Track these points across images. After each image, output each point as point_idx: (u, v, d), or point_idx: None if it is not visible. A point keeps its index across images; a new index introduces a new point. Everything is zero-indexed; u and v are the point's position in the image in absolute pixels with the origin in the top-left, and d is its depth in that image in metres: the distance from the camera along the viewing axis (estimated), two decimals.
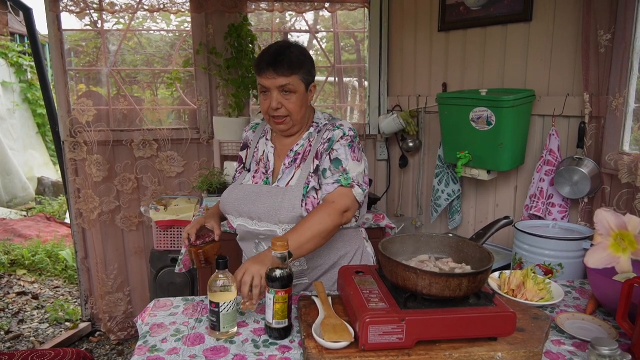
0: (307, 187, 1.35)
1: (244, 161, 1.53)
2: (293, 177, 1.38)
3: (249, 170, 1.48)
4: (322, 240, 1.26)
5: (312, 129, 1.43)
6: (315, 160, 1.38)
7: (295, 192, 1.34)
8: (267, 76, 1.31)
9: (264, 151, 1.47)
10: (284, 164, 1.41)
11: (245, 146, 1.55)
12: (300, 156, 1.40)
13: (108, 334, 2.90)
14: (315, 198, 1.35)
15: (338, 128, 1.37)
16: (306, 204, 1.33)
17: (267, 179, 1.43)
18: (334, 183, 1.31)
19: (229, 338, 1.11)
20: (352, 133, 1.38)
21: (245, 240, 1.46)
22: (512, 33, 2.19)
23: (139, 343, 1.10)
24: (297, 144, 1.42)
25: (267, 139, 1.49)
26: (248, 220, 1.39)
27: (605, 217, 1.02)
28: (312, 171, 1.37)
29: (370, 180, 2.43)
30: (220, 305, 1.09)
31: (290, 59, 1.30)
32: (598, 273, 1.22)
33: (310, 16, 3.02)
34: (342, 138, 1.36)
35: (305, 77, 1.34)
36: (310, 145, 1.41)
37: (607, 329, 1.17)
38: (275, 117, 1.36)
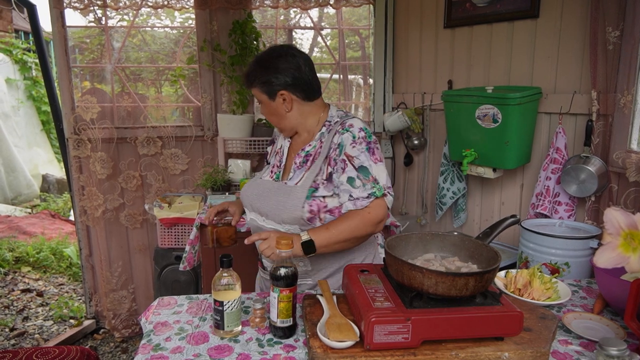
0: (313, 190, 1.33)
1: (269, 155, 1.59)
2: (302, 178, 1.37)
3: (269, 163, 1.54)
4: (351, 245, 1.31)
5: (324, 129, 1.40)
6: (327, 166, 1.34)
7: (299, 193, 1.33)
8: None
9: (281, 145, 1.50)
10: (295, 163, 1.41)
11: (272, 141, 1.60)
12: (311, 157, 1.39)
13: (112, 331, 2.91)
14: (322, 201, 1.32)
15: (347, 131, 1.33)
16: (310, 206, 1.32)
17: (278, 173, 1.45)
18: (368, 196, 1.27)
19: (233, 337, 1.11)
20: (363, 134, 1.33)
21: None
22: (519, 30, 2.17)
23: (143, 341, 1.09)
24: (310, 144, 1.40)
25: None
26: (258, 216, 1.42)
27: (614, 216, 1.00)
28: (324, 178, 1.34)
29: None
30: (225, 303, 1.08)
31: (247, 73, 1.39)
32: (605, 272, 1.20)
33: (314, 13, 3.01)
34: (354, 142, 1.31)
35: (262, 87, 1.36)
36: (322, 147, 1.38)
37: (615, 328, 1.16)
38: None
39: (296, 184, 1.36)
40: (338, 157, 1.32)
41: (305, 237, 1.23)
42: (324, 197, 1.33)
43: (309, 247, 1.23)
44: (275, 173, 1.45)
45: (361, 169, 1.29)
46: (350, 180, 1.29)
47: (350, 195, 1.29)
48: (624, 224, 1.00)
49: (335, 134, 1.35)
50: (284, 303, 1.07)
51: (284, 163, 1.45)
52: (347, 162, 1.31)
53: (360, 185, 1.28)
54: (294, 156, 1.43)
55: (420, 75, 2.70)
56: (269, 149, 1.61)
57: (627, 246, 0.99)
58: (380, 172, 1.31)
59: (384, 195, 1.29)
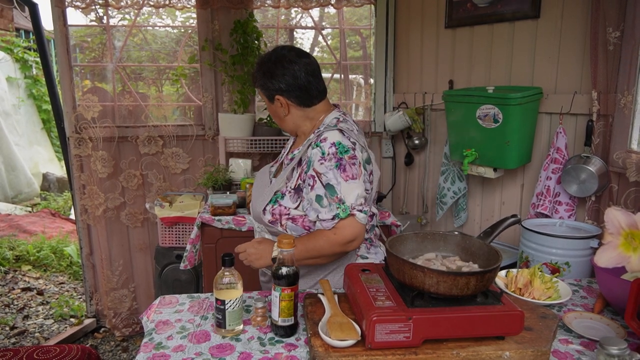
0: (280, 196, 1.35)
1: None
2: (275, 180, 1.43)
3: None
4: (325, 261, 1.34)
5: (312, 135, 1.37)
6: (298, 177, 1.34)
7: (266, 195, 1.38)
8: None
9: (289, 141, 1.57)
10: (285, 164, 1.45)
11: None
12: (294, 160, 1.39)
13: (113, 330, 2.91)
14: (285, 208, 1.34)
15: (317, 146, 1.28)
16: (273, 211, 1.35)
17: (272, 169, 1.50)
18: (333, 218, 1.24)
19: (234, 335, 1.11)
20: (333, 149, 1.25)
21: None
22: (520, 30, 2.17)
23: (145, 340, 1.10)
24: (298, 149, 1.42)
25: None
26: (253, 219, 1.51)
27: (615, 215, 1.00)
28: (292, 187, 1.34)
29: None
30: (226, 302, 1.08)
31: (252, 73, 1.45)
32: (606, 272, 1.21)
33: (315, 12, 3.01)
34: (323, 158, 1.26)
35: (261, 89, 1.40)
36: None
37: (615, 328, 1.16)
38: None
39: (270, 182, 1.43)
40: (306, 172, 1.30)
41: (275, 252, 1.26)
42: (287, 207, 1.33)
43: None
44: (275, 167, 1.51)
45: (328, 187, 1.25)
46: (319, 198, 1.26)
47: (318, 216, 1.27)
48: (624, 224, 1.00)
49: (309, 146, 1.32)
50: (285, 302, 1.07)
51: (280, 162, 1.50)
52: (316, 178, 1.27)
53: (326, 205, 1.25)
54: (288, 155, 1.47)
55: (421, 75, 2.71)
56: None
57: (628, 246, 0.99)
58: (349, 190, 1.24)
59: (351, 214, 1.24)
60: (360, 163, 1.29)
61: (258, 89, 1.42)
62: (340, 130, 1.30)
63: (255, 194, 1.46)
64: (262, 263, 1.32)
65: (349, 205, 1.24)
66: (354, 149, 1.28)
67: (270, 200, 1.35)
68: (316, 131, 1.37)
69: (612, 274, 1.21)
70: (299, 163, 1.36)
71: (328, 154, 1.26)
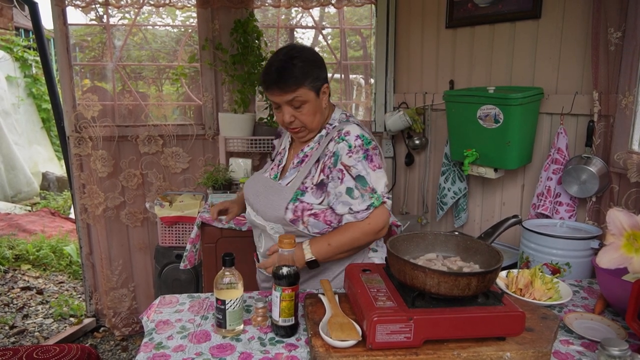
0: (300, 194, 1.32)
1: (274, 152, 1.58)
2: (293, 178, 1.37)
3: (272, 160, 1.53)
4: (352, 253, 1.36)
5: (323, 131, 1.38)
6: (320, 172, 1.33)
7: (286, 193, 1.34)
8: (274, 93, 1.29)
9: (284, 146, 1.50)
10: (293, 163, 1.41)
11: (278, 135, 1.60)
12: (307, 158, 1.38)
13: (112, 329, 2.91)
14: (307, 204, 1.31)
15: (343, 139, 1.30)
16: (295, 209, 1.31)
17: (277, 174, 1.45)
18: (367, 208, 1.27)
19: (235, 335, 1.11)
20: (359, 141, 1.29)
21: (253, 228, 1.51)
22: (521, 30, 2.17)
23: (145, 340, 1.09)
24: (308, 145, 1.40)
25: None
26: (252, 211, 1.45)
27: (617, 216, 1.00)
28: (313, 183, 1.32)
29: None
30: (227, 302, 1.08)
31: (293, 73, 1.26)
32: (607, 272, 1.21)
33: (316, 12, 3.01)
34: (350, 151, 1.28)
35: (312, 84, 1.29)
36: (317, 149, 1.37)
37: (616, 329, 1.16)
38: (291, 129, 1.36)
39: (287, 184, 1.36)
40: (334, 166, 1.30)
41: (309, 256, 1.28)
42: (310, 203, 1.32)
43: (312, 263, 1.30)
44: (274, 172, 1.46)
45: (359, 179, 1.27)
46: (349, 191, 1.27)
47: (350, 209, 1.28)
48: (626, 225, 1.00)
49: (330, 141, 1.33)
50: (286, 302, 1.07)
51: (283, 164, 1.46)
52: (345, 171, 1.28)
53: (359, 196, 1.27)
54: (293, 156, 1.43)
55: (422, 75, 2.70)
56: (275, 142, 1.61)
57: (630, 247, 0.99)
58: (378, 179, 1.29)
59: (382, 203, 1.29)
60: (381, 153, 1.35)
61: (304, 87, 1.27)
62: (358, 124, 1.36)
63: (264, 199, 1.38)
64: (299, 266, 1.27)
65: (380, 194, 1.28)
66: (374, 140, 1.34)
67: (291, 199, 1.33)
68: (330, 127, 1.38)
69: (613, 275, 1.20)
70: (317, 159, 1.35)
71: (355, 147, 1.29)
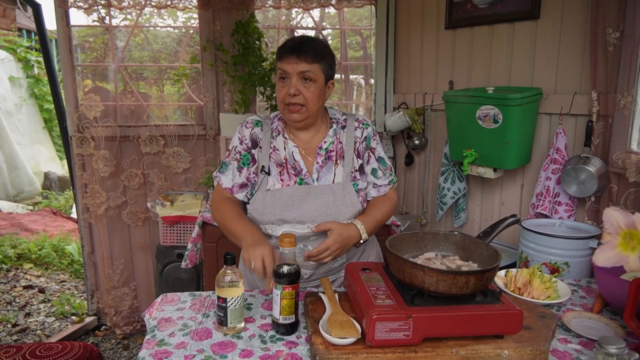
0: (356, 184, 1.41)
1: (257, 161, 1.41)
2: (335, 175, 1.38)
3: (268, 173, 1.38)
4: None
5: (334, 125, 1.45)
6: (357, 158, 1.43)
7: (349, 189, 1.38)
8: (289, 61, 1.30)
9: (285, 149, 1.41)
10: (317, 162, 1.39)
11: (255, 144, 1.42)
12: (333, 153, 1.41)
13: (113, 328, 2.92)
14: (363, 191, 1.43)
15: (368, 125, 1.46)
16: (362, 199, 1.41)
17: (302, 179, 1.38)
18: (389, 184, 1.46)
19: (236, 333, 1.12)
20: (375, 130, 1.49)
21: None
22: (520, 31, 2.18)
23: (147, 337, 1.11)
24: (325, 142, 1.42)
25: (285, 138, 1.41)
26: (297, 225, 1.34)
27: (613, 215, 1.01)
28: (356, 167, 1.42)
29: None
30: (228, 300, 1.10)
31: (314, 47, 1.31)
32: (605, 272, 1.22)
33: (316, 13, 3.02)
34: (374, 136, 1.46)
35: (326, 68, 1.35)
36: (340, 142, 1.42)
37: (614, 327, 1.17)
38: (290, 105, 1.33)
39: (333, 181, 1.38)
40: (366, 149, 1.44)
41: (364, 236, 1.35)
42: (364, 188, 1.43)
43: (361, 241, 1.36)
44: (295, 181, 1.37)
45: (380, 160, 1.46)
46: (374, 171, 1.45)
47: (374, 184, 1.44)
48: (622, 224, 1.01)
49: (356, 129, 1.44)
50: (286, 300, 1.08)
51: (304, 170, 1.39)
52: (371, 154, 1.45)
53: (381, 175, 1.45)
54: (311, 157, 1.40)
55: (422, 76, 2.72)
56: (253, 151, 1.41)
57: (626, 245, 1.00)
58: (390, 164, 1.50)
59: (396, 182, 1.50)
60: None
61: (319, 64, 1.31)
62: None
63: (331, 205, 1.34)
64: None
65: (393, 172, 1.50)
66: None
67: (355, 191, 1.40)
68: (335, 121, 1.46)
69: (611, 274, 1.21)
70: (356, 151, 1.44)
71: (374, 133, 1.47)
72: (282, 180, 1.38)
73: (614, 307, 1.26)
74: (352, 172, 1.40)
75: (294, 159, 1.40)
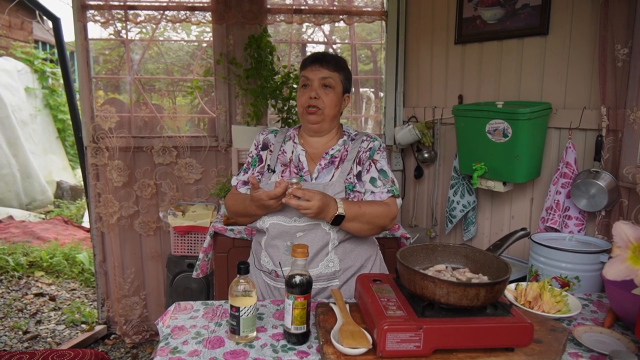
0: (351, 186, 1.46)
1: (264, 161, 1.55)
2: (333, 176, 1.48)
3: (273, 171, 1.52)
4: (366, 232, 1.43)
5: (345, 137, 1.55)
6: (357, 165, 1.50)
7: (337, 187, 1.44)
8: (312, 68, 1.46)
9: (292, 152, 1.54)
10: (320, 165, 1.50)
11: (265, 147, 1.57)
12: (337, 159, 1.51)
13: (123, 337, 2.94)
14: (360, 194, 1.47)
15: (376, 139, 1.54)
16: (352, 199, 1.45)
17: (302, 177, 1.50)
18: (387, 192, 1.46)
19: (248, 342, 1.14)
20: (383, 146, 1.56)
21: (278, 239, 1.45)
22: (529, 46, 2.20)
23: (161, 344, 1.13)
24: (333, 148, 1.52)
25: (294, 142, 1.55)
26: (286, 219, 1.43)
27: (623, 229, 1.02)
28: (355, 173, 1.49)
29: None
30: (241, 309, 1.11)
31: (335, 59, 1.50)
32: (616, 286, 1.22)
33: (327, 27, 3.07)
34: (380, 150, 1.52)
35: (343, 80, 1.50)
36: (347, 151, 1.52)
37: (626, 342, 1.17)
38: (309, 107, 1.46)
39: (329, 181, 1.47)
40: (368, 159, 1.51)
41: (340, 210, 1.34)
42: (362, 193, 1.48)
43: (337, 219, 1.34)
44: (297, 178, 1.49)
45: (381, 172, 1.49)
46: (372, 180, 1.48)
47: (372, 191, 1.46)
48: (632, 237, 1.02)
49: (363, 141, 1.53)
50: (298, 310, 1.10)
51: (306, 169, 1.50)
52: (372, 164, 1.49)
53: (380, 185, 1.47)
54: (315, 161, 1.51)
55: (431, 90, 2.74)
56: (262, 153, 1.55)
57: (636, 259, 1.01)
58: (394, 178, 1.52)
59: (398, 196, 1.48)
60: None
61: (340, 74, 1.49)
62: None
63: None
64: (320, 217, 1.34)
65: (397, 188, 1.49)
66: None
67: (344, 190, 1.46)
68: (347, 134, 1.56)
69: (623, 288, 1.21)
70: (355, 157, 1.51)
71: (380, 148, 1.53)
72: (282, 177, 1.50)
73: (625, 322, 1.26)
74: (348, 176, 1.47)
75: (299, 160, 1.52)
